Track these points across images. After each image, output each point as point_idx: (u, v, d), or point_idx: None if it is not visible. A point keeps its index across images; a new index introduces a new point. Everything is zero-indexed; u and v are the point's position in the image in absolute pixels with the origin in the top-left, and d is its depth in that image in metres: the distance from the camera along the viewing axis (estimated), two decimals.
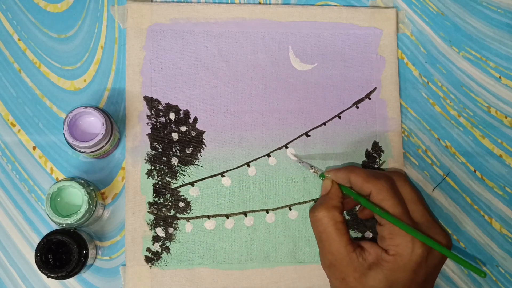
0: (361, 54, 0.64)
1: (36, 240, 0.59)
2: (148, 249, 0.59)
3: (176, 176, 0.60)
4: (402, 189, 0.55)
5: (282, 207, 0.61)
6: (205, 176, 0.61)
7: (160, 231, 0.60)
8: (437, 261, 0.53)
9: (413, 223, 0.53)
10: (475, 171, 0.64)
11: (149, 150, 0.61)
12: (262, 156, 0.62)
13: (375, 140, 0.63)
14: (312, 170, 0.59)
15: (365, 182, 0.54)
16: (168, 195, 0.60)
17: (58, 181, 0.59)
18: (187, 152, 0.61)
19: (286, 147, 0.62)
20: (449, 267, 0.62)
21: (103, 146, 0.56)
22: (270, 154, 0.62)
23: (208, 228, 0.60)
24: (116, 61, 0.63)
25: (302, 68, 0.64)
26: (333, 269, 0.53)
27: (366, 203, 0.54)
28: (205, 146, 0.61)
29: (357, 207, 0.61)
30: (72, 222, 0.55)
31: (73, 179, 0.57)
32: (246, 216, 0.61)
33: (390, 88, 0.64)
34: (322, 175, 0.58)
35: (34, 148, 0.61)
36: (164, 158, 0.61)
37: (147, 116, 0.61)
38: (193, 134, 0.61)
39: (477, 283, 0.62)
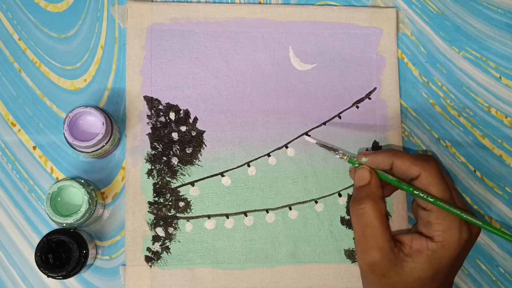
0: (361, 54, 0.64)
1: (36, 240, 0.59)
2: (148, 249, 0.59)
3: (176, 175, 0.61)
4: (445, 174, 0.54)
5: (282, 207, 0.61)
6: (205, 176, 0.61)
7: (160, 231, 0.60)
8: (471, 246, 0.53)
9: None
10: (475, 171, 0.64)
11: (149, 149, 0.61)
12: (262, 156, 0.62)
13: (375, 140, 0.63)
14: (338, 155, 0.55)
15: (413, 165, 0.51)
16: (168, 194, 0.60)
17: (58, 180, 0.59)
18: (187, 151, 0.61)
19: (286, 147, 0.62)
20: None
21: (103, 146, 0.56)
22: (270, 154, 0.62)
23: (208, 228, 0.60)
24: (116, 61, 0.63)
25: (302, 68, 0.64)
26: (375, 266, 0.51)
27: (408, 189, 0.51)
28: (205, 145, 0.61)
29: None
30: (72, 221, 0.55)
31: (73, 178, 0.57)
32: (246, 216, 0.61)
33: (390, 88, 0.64)
34: (352, 161, 0.54)
35: (34, 147, 0.61)
36: (164, 158, 0.61)
37: (147, 116, 0.61)
38: (193, 134, 0.61)
39: (477, 283, 0.62)
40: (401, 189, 0.52)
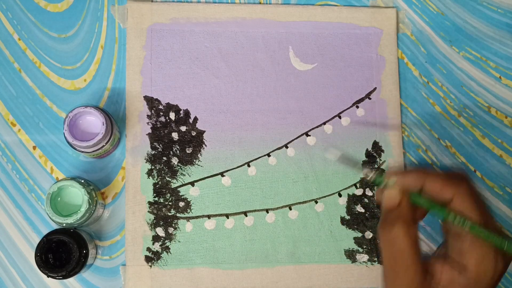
0: (361, 54, 0.64)
1: (36, 240, 0.59)
2: (148, 249, 0.59)
3: (176, 175, 0.60)
4: (479, 195, 0.47)
5: (282, 207, 0.61)
6: (205, 176, 0.61)
7: (160, 231, 0.60)
8: (503, 274, 0.47)
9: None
10: (475, 171, 0.64)
11: (149, 149, 0.61)
12: (262, 156, 0.62)
13: (375, 140, 0.63)
14: (362, 173, 0.49)
15: (445, 187, 0.46)
16: (168, 194, 0.60)
17: (58, 180, 0.59)
18: (187, 151, 0.61)
19: (286, 147, 0.62)
20: None
21: (103, 146, 0.56)
22: (270, 154, 0.62)
23: (208, 228, 0.60)
24: (116, 60, 0.63)
25: (302, 68, 0.64)
26: None
27: (444, 213, 0.45)
28: (205, 145, 0.61)
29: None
30: (72, 221, 0.55)
31: (73, 178, 0.57)
32: (246, 216, 0.61)
33: (390, 88, 0.64)
34: (379, 180, 0.48)
35: (34, 147, 0.61)
36: (164, 158, 0.61)
37: (147, 115, 0.61)
38: (193, 134, 0.61)
39: None
40: (435, 213, 0.46)
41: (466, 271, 0.45)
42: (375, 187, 0.56)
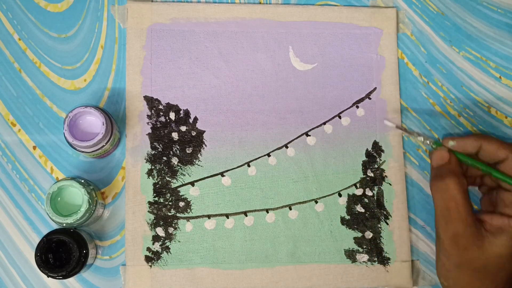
0: (361, 54, 0.64)
1: (36, 240, 0.59)
2: (148, 249, 0.59)
3: (176, 175, 0.61)
4: None
5: (282, 207, 0.61)
6: (205, 176, 0.61)
7: (160, 231, 0.60)
8: None
9: None
10: None
11: (149, 149, 0.61)
12: (262, 156, 0.62)
13: (375, 140, 0.63)
14: (420, 139, 0.57)
15: (501, 147, 0.53)
16: (168, 194, 0.60)
17: (58, 180, 0.59)
18: (187, 151, 0.61)
19: (286, 147, 0.62)
20: None
21: (103, 146, 0.56)
22: (270, 154, 0.62)
23: (208, 228, 0.60)
24: (116, 60, 0.63)
25: (302, 68, 0.64)
26: (458, 238, 0.52)
27: (493, 171, 0.53)
28: (205, 145, 0.61)
29: None
30: (72, 221, 0.55)
31: (73, 178, 0.57)
32: (246, 215, 0.61)
33: (390, 88, 0.64)
34: (438, 144, 0.56)
35: (34, 147, 0.61)
36: (164, 158, 0.61)
37: (147, 115, 0.61)
38: (193, 134, 0.61)
39: None
40: (480, 169, 0.54)
41: None
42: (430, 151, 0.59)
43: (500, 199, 0.55)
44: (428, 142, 0.56)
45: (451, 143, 0.55)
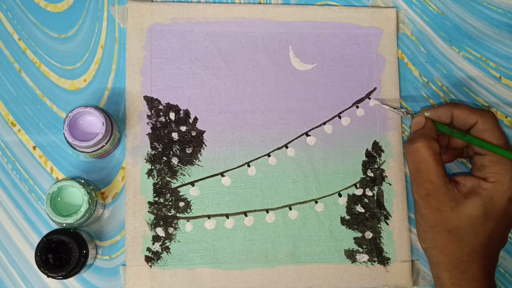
0: (361, 54, 0.64)
1: (36, 240, 0.59)
2: (148, 249, 0.59)
3: (176, 175, 0.61)
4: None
5: (282, 207, 0.61)
6: (205, 176, 0.61)
7: (160, 231, 0.60)
8: None
9: None
10: None
11: (149, 149, 0.61)
12: (262, 156, 0.62)
13: (375, 140, 0.63)
14: (401, 113, 0.61)
15: (471, 113, 0.56)
16: (168, 194, 0.60)
17: (58, 180, 0.59)
18: (187, 151, 0.61)
19: (286, 147, 0.62)
20: None
21: (103, 146, 0.56)
22: (270, 154, 0.62)
23: (208, 228, 0.60)
24: (116, 60, 0.63)
25: (302, 68, 0.64)
26: (429, 198, 0.54)
27: (464, 136, 0.56)
28: (205, 145, 0.61)
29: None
30: (72, 221, 0.55)
31: (73, 178, 0.57)
32: (246, 216, 0.61)
33: (390, 88, 0.64)
34: (412, 117, 0.59)
35: (34, 147, 0.61)
36: (164, 158, 0.61)
37: (147, 115, 0.61)
38: (193, 134, 0.61)
39: None
40: (454, 136, 0.57)
41: (486, 180, 0.54)
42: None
43: (474, 162, 0.57)
44: (409, 114, 0.60)
45: (426, 114, 0.58)
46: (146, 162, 0.60)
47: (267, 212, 0.61)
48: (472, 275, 0.54)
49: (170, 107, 0.61)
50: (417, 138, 0.55)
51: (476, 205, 0.53)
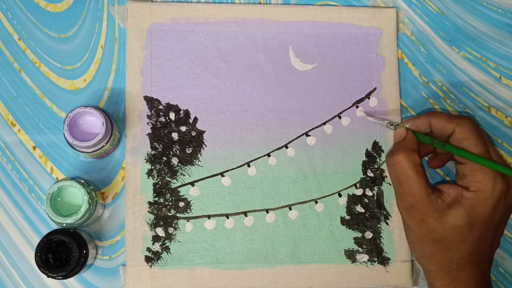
0: (361, 54, 0.64)
1: (36, 240, 0.59)
2: (148, 249, 0.59)
3: (176, 176, 0.61)
4: (481, 130, 0.56)
5: (282, 207, 0.61)
6: (205, 176, 0.61)
7: (160, 231, 0.60)
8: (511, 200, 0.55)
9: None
10: None
11: (149, 150, 0.61)
12: (262, 156, 0.62)
13: (375, 140, 0.63)
14: (385, 125, 0.60)
15: (448, 122, 0.55)
16: (168, 195, 0.60)
17: (58, 180, 0.59)
18: (187, 152, 0.61)
19: (286, 147, 0.62)
20: None
21: (103, 146, 0.56)
22: (270, 154, 0.62)
23: (208, 228, 0.60)
24: (116, 61, 0.63)
25: (302, 68, 0.64)
26: (412, 211, 0.54)
27: (444, 146, 0.55)
28: (205, 146, 0.61)
29: (428, 158, 0.62)
30: (72, 221, 0.55)
31: (73, 178, 0.57)
32: (246, 216, 0.61)
33: (390, 88, 0.64)
34: (395, 128, 0.59)
35: (34, 147, 0.61)
36: (164, 158, 0.61)
37: (147, 116, 0.61)
38: (193, 134, 0.61)
39: None
40: (435, 146, 0.56)
41: (468, 189, 0.53)
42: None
43: (456, 171, 0.57)
44: (392, 126, 0.60)
45: (406, 125, 0.58)
46: (146, 162, 0.60)
47: (267, 212, 0.61)
48: (464, 282, 0.53)
49: (170, 107, 0.61)
50: (397, 150, 0.55)
51: (460, 215, 0.53)
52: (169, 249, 0.59)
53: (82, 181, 0.57)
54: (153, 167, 0.60)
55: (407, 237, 0.57)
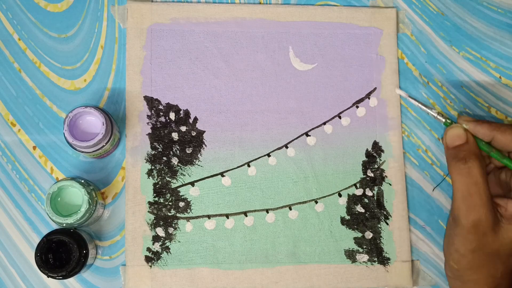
0: (361, 54, 0.64)
1: (36, 240, 0.59)
2: (148, 249, 0.59)
3: (176, 176, 0.61)
4: None
5: (282, 207, 0.61)
6: (205, 176, 0.61)
7: (160, 231, 0.60)
8: None
9: None
10: None
11: (149, 150, 0.61)
12: (262, 156, 0.62)
13: (375, 140, 0.63)
14: (433, 113, 0.55)
15: None
16: (168, 195, 0.60)
17: (58, 180, 0.59)
18: (187, 152, 0.61)
19: (286, 147, 0.62)
20: None
21: (103, 146, 0.56)
22: (270, 154, 0.62)
23: (208, 228, 0.60)
24: (116, 60, 0.63)
25: (302, 68, 0.64)
26: (480, 223, 0.50)
27: (503, 159, 0.52)
28: (205, 146, 0.61)
29: None
30: (72, 221, 0.55)
31: (73, 178, 0.57)
32: (246, 216, 0.61)
33: (390, 88, 0.64)
34: (447, 124, 0.55)
35: (34, 147, 0.61)
36: (164, 158, 0.61)
37: (147, 116, 0.61)
38: (193, 134, 0.61)
39: None
40: (491, 155, 0.53)
41: None
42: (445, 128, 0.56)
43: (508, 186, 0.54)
44: (441, 117, 0.55)
45: (465, 126, 0.53)
46: (146, 162, 0.60)
47: (267, 212, 0.61)
48: None
49: (170, 107, 0.62)
50: (468, 156, 0.51)
51: None
52: (169, 249, 0.59)
53: (82, 181, 0.57)
54: (153, 167, 0.60)
55: (454, 251, 0.53)
